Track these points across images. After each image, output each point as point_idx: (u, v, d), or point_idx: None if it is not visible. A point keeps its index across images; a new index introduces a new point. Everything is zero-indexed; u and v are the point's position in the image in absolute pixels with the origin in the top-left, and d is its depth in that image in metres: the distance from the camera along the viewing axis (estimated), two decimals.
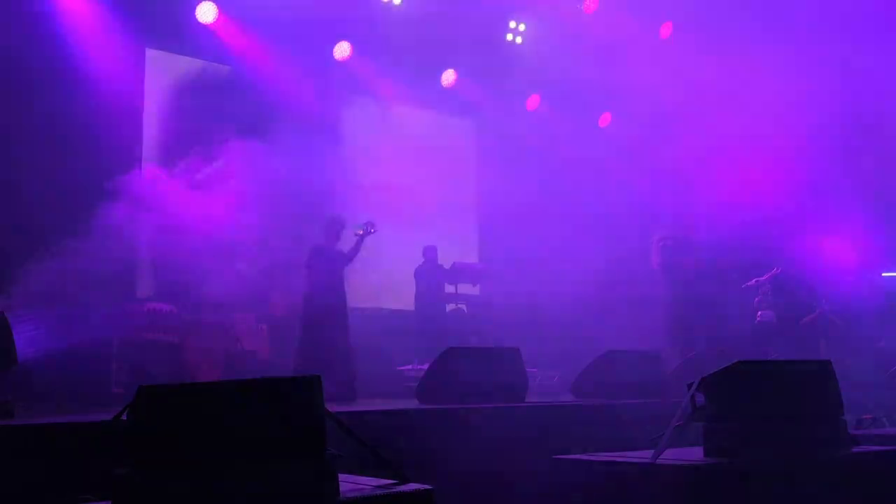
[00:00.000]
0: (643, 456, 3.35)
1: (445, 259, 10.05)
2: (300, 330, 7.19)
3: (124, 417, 2.50)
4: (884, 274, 9.52)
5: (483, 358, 6.31)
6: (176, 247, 7.90)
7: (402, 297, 9.79)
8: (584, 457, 3.57)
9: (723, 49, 8.86)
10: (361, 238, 7.24)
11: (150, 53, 9.03)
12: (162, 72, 9.11)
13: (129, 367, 7.28)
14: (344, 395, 6.88)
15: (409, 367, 8.39)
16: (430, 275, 9.72)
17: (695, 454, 3.44)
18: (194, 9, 9.06)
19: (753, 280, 8.84)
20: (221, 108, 8.54)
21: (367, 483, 2.69)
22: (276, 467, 2.43)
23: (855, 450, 3.65)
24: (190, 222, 7.91)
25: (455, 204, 11.52)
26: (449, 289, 10.03)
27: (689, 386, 3.57)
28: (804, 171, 8.52)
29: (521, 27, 10.97)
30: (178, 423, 2.39)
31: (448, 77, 10.94)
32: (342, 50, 10.04)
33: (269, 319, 8.55)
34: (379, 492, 2.57)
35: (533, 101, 11.52)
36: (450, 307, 10.11)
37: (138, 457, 2.36)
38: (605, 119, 11.63)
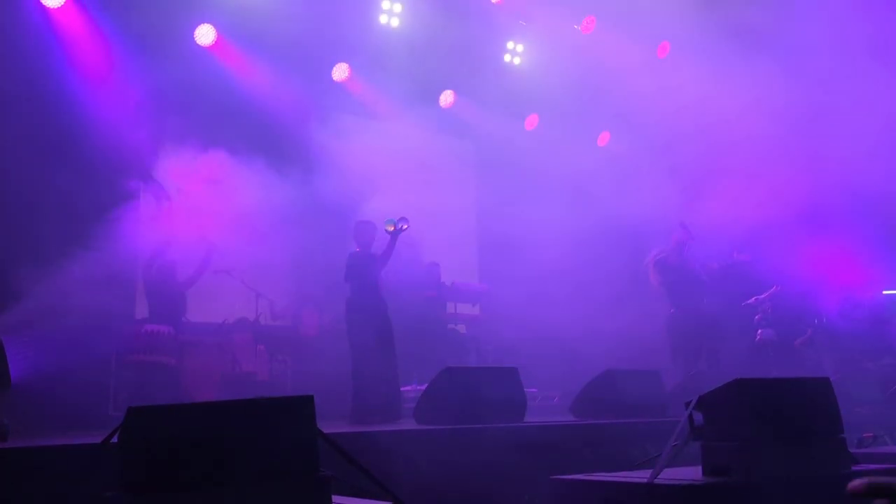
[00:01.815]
0: (642, 476, 3.31)
1: (445, 279, 10.05)
2: (349, 342, 7.11)
3: (115, 440, 2.48)
4: (885, 291, 9.49)
5: (481, 378, 6.28)
6: (175, 267, 7.95)
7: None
8: (583, 477, 3.53)
9: (720, 66, 8.90)
10: (394, 235, 7.06)
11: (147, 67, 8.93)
12: (161, 87, 9.07)
13: (127, 389, 7.25)
14: (389, 407, 6.80)
15: (409, 387, 8.36)
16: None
17: (693, 473, 3.41)
18: (192, 30, 9.10)
19: (753, 298, 8.81)
20: (221, 127, 8.55)
21: None
22: (267, 488, 2.40)
23: (855, 468, 3.61)
24: (190, 241, 7.97)
25: (454, 224, 11.57)
26: (449, 308, 10.02)
27: (688, 404, 3.54)
28: (804, 187, 8.51)
29: (519, 48, 11.02)
30: (168, 444, 2.36)
31: (446, 98, 10.97)
32: (341, 71, 10.08)
33: (281, 340, 8.53)
34: None
35: (531, 121, 11.55)
36: (448, 327, 10.09)
37: (128, 479, 2.34)
38: (604, 138, 11.66)
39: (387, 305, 7.25)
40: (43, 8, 8.08)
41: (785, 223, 8.63)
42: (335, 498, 2.58)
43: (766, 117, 8.80)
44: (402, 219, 7.07)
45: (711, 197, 8.89)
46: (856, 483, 1.43)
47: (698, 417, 3.47)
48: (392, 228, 7.00)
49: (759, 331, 8.69)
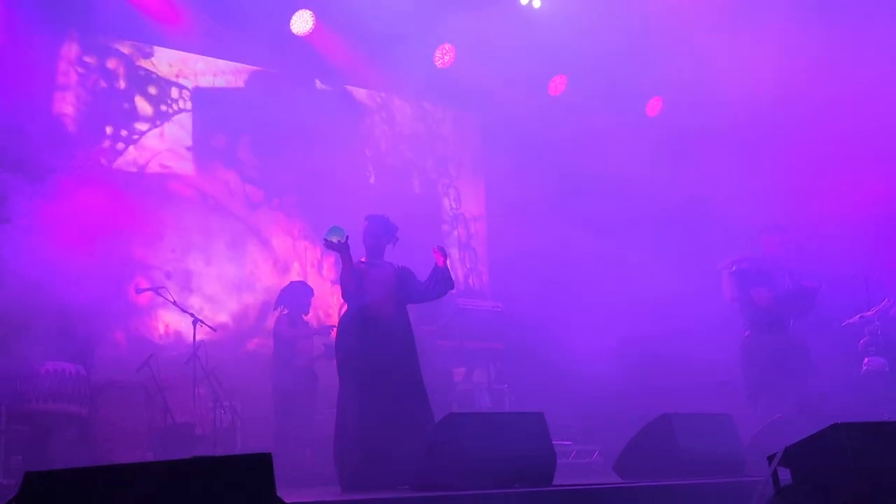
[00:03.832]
0: None
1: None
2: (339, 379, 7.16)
3: None
4: None
5: (495, 427, 6.28)
6: (85, 289, 7.97)
7: None
8: None
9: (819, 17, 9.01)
10: (339, 249, 7.06)
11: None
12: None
13: (22, 449, 7.23)
14: (389, 467, 6.75)
15: None
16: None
17: None
18: None
19: (857, 316, 8.81)
20: None
21: None
22: None
23: None
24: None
25: (455, 224, 11.66)
26: (452, 336, 10.06)
27: (771, 458, 3.56)
28: None
29: None
30: None
31: (444, 54, 10.97)
32: (302, 22, 10.10)
33: (228, 379, 8.59)
34: None
35: (557, 85, 11.56)
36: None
37: None
38: (655, 106, 11.67)
39: (403, 329, 7.24)
40: None
41: None
42: None
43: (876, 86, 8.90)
44: (332, 230, 7.06)
45: (800, 186, 8.97)
46: None
47: (785, 475, 3.48)
48: (336, 240, 6.99)
49: (866, 359, 8.68)
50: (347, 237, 6.94)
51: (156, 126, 9.88)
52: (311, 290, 9.33)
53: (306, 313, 9.20)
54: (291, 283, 9.40)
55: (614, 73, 10.64)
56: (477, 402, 9.70)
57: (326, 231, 7.00)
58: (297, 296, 9.13)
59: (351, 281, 7.03)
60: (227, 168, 10.28)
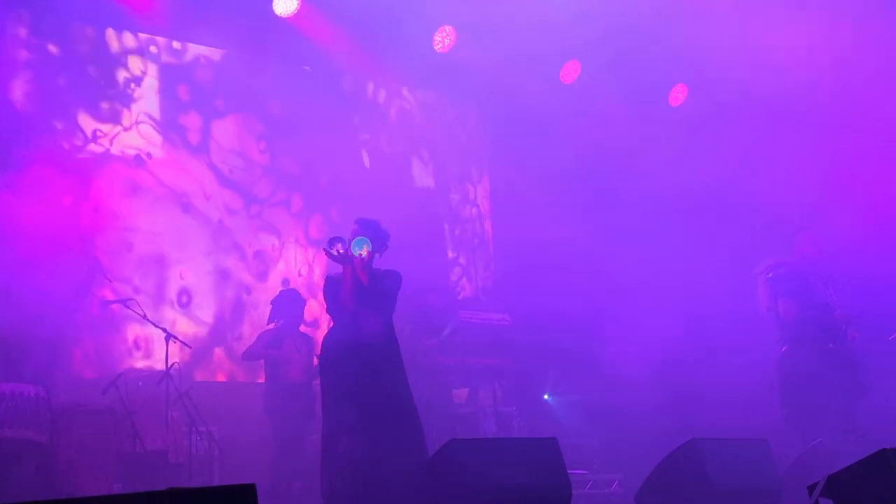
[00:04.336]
0: None
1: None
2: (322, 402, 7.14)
3: None
4: None
5: (502, 454, 6.27)
6: (44, 301, 7.96)
7: None
8: None
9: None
10: (343, 261, 7.06)
11: None
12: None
13: None
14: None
15: None
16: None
17: None
18: None
19: None
20: None
21: None
22: None
23: None
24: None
25: (455, 224, 11.66)
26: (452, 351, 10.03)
27: (812, 488, 3.55)
28: None
29: None
30: None
31: (444, 38, 10.97)
32: (287, 1, 10.09)
33: (205, 402, 8.59)
34: None
35: (570, 71, 11.57)
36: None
37: None
38: (679, 94, 11.68)
39: (389, 345, 7.23)
40: None
41: None
42: None
43: None
44: (333, 239, 7.06)
45: (844, 181, 8.97)
46: None
47: None
48: (337, 252, 6.99)
49: None
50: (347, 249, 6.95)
51: (122, 112, 9.93)
52: (304, 299, 9.32)
53: (300, 324, 9.20)
54: (282, 292, 9.38)
55: (633, 58, 10.63)
56: (482, 426, 9.67)
57: (350, 241, 6.98)
58: (291, 306, 9.13)
59: (355, 296, 7.05)
60: (201, 162, 10.30)
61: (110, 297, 8.99)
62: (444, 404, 9.53)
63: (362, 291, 7.05)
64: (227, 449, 8.67)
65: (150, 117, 10.07)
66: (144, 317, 8.73)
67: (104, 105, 9.81)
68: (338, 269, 7.15)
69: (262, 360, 9.06)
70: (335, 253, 6.95)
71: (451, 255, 11.87)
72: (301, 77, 10.75)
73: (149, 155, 9.94)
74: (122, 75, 9.98)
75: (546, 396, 10.40)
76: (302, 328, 9.27)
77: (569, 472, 6.43)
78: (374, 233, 7.22)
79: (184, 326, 9.68)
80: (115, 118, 9.84)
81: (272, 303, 9.22)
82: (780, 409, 8.51)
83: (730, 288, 9.54)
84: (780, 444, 7.68)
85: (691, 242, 10.30)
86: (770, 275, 8.63)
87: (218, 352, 9.99)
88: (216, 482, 8.30)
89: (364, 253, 6.94)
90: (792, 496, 6.42)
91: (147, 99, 10.09)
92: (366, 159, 11.40)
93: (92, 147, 9.64)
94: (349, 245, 6.94)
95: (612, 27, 10.20)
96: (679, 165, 10.37)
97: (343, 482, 6.78)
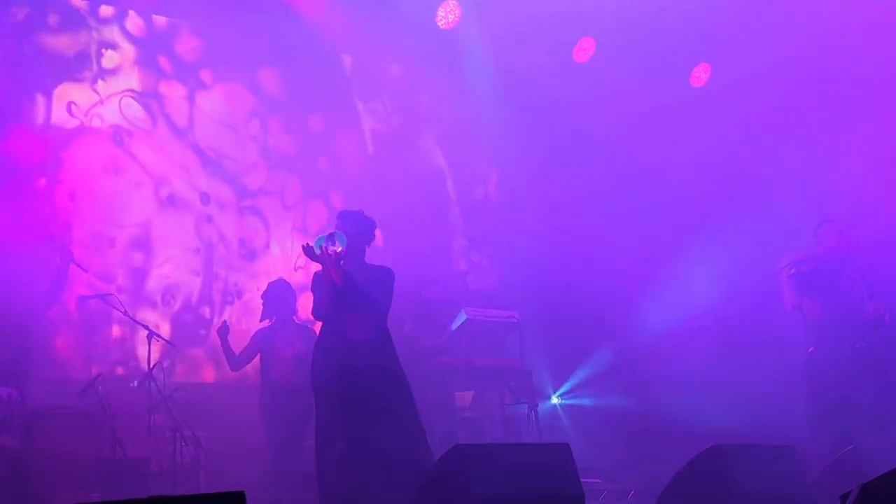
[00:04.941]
0: None
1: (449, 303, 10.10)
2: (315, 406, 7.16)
3: None
4: None
5: (510, 460, 6.27)
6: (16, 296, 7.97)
7: None
8: None
9: None
10: (325, 262, 7.02)
11: None
12: None
13: None
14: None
15: None
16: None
17: None
18: None
19: None
20: None
21: None
22: None
23: None
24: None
25: (460, 211, 11.66)
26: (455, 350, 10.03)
27: (845, 498, 3.55)
28: None
29: None
30: None
31: (448, 13, 10.96)
32: None
33: (190, 405, 8.60)
34: None
35: (584, 49, 11.56)
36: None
37: None
38: (701, 74, 11.68)
39: (384, 345, 7.23)
40: None
41: None
42: None
43: None
44: (331, 235, 6.97)
45: (877, 167, 8.97)
46: None
47: None
48: (314, 253, 6.92)
49: None
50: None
51: (99, 83, 9.87)
52: (294, 290, 9.21)
53: (293, 316, 9.13)
54: (270, 284, 9.27)
55: (652, 35, 10.61)
56: (488, 431, 9.68)
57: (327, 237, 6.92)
58: (281, 297, 9.04)
59: (332, 298, 7.02)
60: (186, 141, 10.29)
61: (87, 291, 8.99)
62: (448, 408, 9.54)
63: (344, 293, 7.01)
64: (215, 456, 8.64)
65: (131, 90, 10.02)
66: (125, 313, 8.73)
67: (78, 76, 9.74)
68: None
69: (260, 355, 8.95)
70: (310, 253, 6.88)
71: (457, 245, 11.86)
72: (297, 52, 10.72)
73: (129, 133, 9.90)
74: (97, 42, 9.90)
75: (557, 399, 10.41)
76: (297, 321, 9.18)
77: (582, 480, 6.44)
78: (355, 225, 7.17)
79: (167, 324, 9.67)
80: (90, 90, 9.77)
81: (262, 297, 9.16)
82: (808, 414, 8.52)
83: (752, 283, 9.54)
84: (809, 451, 7.68)
85: (712, 235, 10.30)
86: (793, 271, 8.63)
87: (204, 351, 9.97)
88: (202, 491, 8.31)
89: (338, 249, 6.86)
90: None
91: (125, 70, 10.03)
92: (368, 141, 11.38)
93: (67, 121, 9.56)
94: (325, 242, 6.85)
95: (628, 0, 10.22)
96: (700, 152, 10.36)
97: (339, 491, 6.80)
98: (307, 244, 6.92)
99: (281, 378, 8.75)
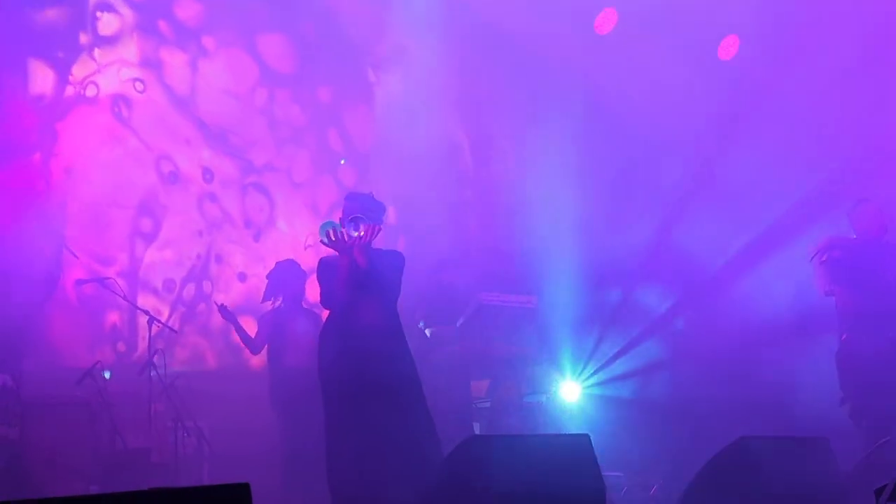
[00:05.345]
0: None
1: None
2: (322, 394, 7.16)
3: None
4: None
5: (527, 452, 6.27)
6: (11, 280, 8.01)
7: None
8: None
9: None
10: (340, 248, 7.01)
11: None
12: None
13: None
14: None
15: None
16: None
17: None
18: None
19: None
20: None
21: None
22: None
23: None
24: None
25: (476, 190, 11.64)
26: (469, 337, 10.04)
27: (881, 491, 3.54)
28: None
29: None
30: None
31: None
32: None
33: (192, 394, 8.61)
34: None
35: (605, 21, 11.53)
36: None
37: None
38: (730, 46, 11.63)
39: (394, 334, 7.23)
40: None
41: None
42: None
43: None
44: (354, 219, 6.94)
45: None
46: None
47: None
48: (330, 238, 6.89)
49: None
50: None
51: (96, 52, 9.85)
52: (304, 271, 9.14)
53: (301, 300, 9.09)
54: (278, 264, 9.21)
55: (678, 5, 10.57)
56: (504, 421, 9.67)
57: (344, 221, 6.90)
58: (290, 279, 9.00)
59: (349, 284, 7.02)
60: (187, 112, 10.28)
61: (85, 275, 9.00)
62: (462, 397, 9.55)
63: (359, 278, 7.04)
64: (219, 446, 8.67)
65: (128, 60, 10.03)
66: (124, 298, 8.76)
67: (74, 42, 9.70)
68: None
69: (267, 340, 8.94)
70: (327, 239, 6.87)
71: (473, 225, 11.83)
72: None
73: (128, 104, 9.89)
74: (93, 6, 9.88)
75: (577, 389, 10.39)
76: (305, 305, 9.14)
77: (602, 473, 6.44)
78: (369, 207, 7.17)
79: (168, 308, 9.69)
80: (87, 58, 9.76)
81: (268, 277, 9.13)
82: (842, 405, 8.51)
83: (782, 268, 9.50)
84: (843, 444, 7.66)
85: (740, 217, 10.27)
86: (826, 256, 8.60)
87: (207, 337, 9.97)
88: (205, 482, 8.33)
89: (362, 233, 6.88)
90: (857, 500, 6.41)
91: (124, 36, 10.01)
92: (378, 111, 11.35)
93: (62, 91, 9.55)
94: (345, 226, 6.85)
95: None
96: (727, 127, 10.32)
97: (350, 484, 6.82)
98: (320, 234, 6.92)
99: (296, 365, 8.68)
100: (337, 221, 6.92)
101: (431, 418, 7.11)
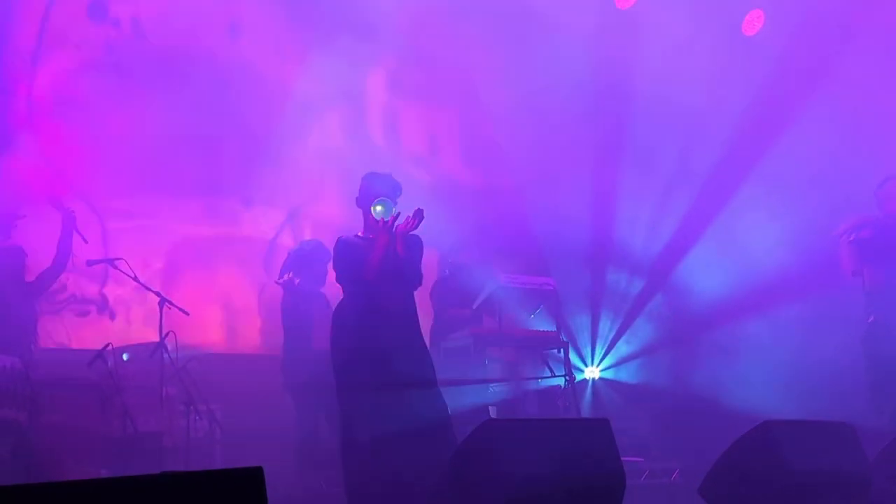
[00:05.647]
0: None
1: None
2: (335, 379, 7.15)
3: None
4: None
5: (546, 437, 6.26)
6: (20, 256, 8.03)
7: None
8: None
9: None
10: (385, 230, 7.00)
11: None
12: None
13: None
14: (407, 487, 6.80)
15: None
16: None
17: None
18: None
19: None
20: None
21: None
22: None
23: None
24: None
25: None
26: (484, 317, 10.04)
27: None
28: None
29: None
30: None
31: None
32: None
33: (205, 378, 8.62)
34: None
35: None
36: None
37: None
38: (755, 21, 11.57)
39: (409, 319, 7.23)
40: None
41: None
42: None
43: None
44: (384, 202, 6.90)
45: None
46: None
47: None
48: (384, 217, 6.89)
49: None
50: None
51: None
52: (329, 253, 9.01)
53: (322, 284, 8.99)
54: (302, 243, 9.12)
55: None
56: (521, 406, 9.68)
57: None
58: (309, 260, 8.94)
59: (373, 268, 7.01)
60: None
61: (94, 255, 8.98)
62: (479, 381, 9.55)
63: (395, 265, 7.04)
64: (231, 430, 8.69)
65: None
66: (135, 278, 8.73)
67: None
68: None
69: (282, 321, 8.93)
70: (381, 221, 6.87)
71: (489, 203, 11.80)
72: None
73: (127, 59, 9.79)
74: None
75: (596, 373, 10.40)
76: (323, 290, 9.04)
77: (622, 459, 6.42)
78: (392, 189, 7.16)
79: (180, 289, 9.68)
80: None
81: (290, 253, 9.05)
82: (869, 390, 8.48)
83: (810, 249, 9.47)
84: (869, 429, 7.64)
85: (761, 199, 10.24)
86: (853, 236, 8.56)
87: (220, 319, 9.97)
88: (217, 467, 8.34)
89: (402, 220, 6.89)
90: (883, 486, 6.38)
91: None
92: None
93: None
94: (391, 212, 6.86)
95: None
96: (750, 104, 10.28)
97: (366, 472, 6.82)
98: (373, 212, 6.91)
99: (312, 347, 8.64)
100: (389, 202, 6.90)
101: (445, 403, 7.11)
